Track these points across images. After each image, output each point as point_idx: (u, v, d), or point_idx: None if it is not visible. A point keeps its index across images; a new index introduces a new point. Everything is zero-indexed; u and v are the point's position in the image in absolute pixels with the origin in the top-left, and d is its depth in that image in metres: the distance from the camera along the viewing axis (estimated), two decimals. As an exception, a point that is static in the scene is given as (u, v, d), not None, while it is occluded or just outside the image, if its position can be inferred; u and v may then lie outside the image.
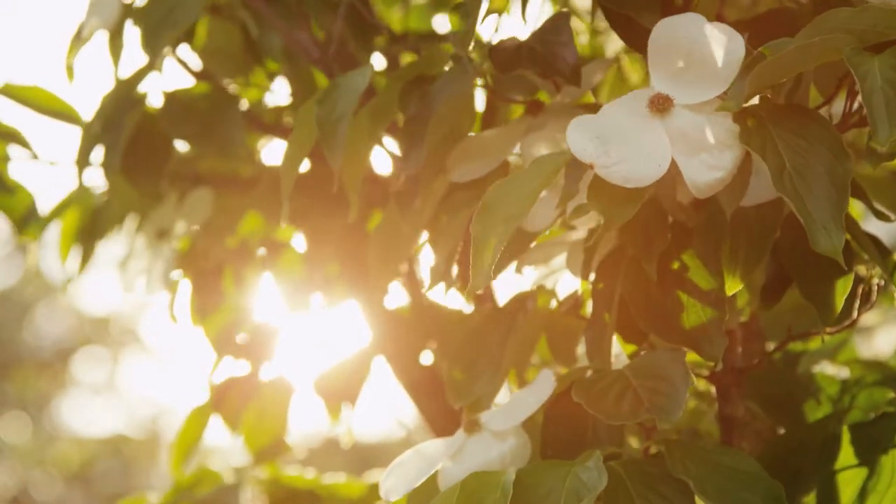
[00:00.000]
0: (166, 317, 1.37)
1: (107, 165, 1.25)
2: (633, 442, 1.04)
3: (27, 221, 1.38)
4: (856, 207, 1.15)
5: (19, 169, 1.39)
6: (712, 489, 0.82)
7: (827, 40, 0.79)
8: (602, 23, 1.26)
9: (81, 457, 6.23)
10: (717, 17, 0.98)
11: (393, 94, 0.99)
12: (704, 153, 0.80)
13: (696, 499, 0.83)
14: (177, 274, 1.37)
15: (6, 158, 1.37)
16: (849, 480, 0.91)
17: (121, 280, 1.37)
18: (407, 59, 1.26)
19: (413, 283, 1.27)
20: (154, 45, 1.18)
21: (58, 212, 1.38)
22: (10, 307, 6.41)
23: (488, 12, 0.97)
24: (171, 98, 1.27)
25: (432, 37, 1.32)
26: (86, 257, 1.38)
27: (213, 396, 1.35)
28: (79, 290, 6.51)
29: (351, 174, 1.01)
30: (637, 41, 0.90)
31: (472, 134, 1.02)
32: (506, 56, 0.95)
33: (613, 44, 1.30)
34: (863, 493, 0.90)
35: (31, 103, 1.34)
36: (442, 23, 1.42)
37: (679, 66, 0.83)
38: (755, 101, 0.83)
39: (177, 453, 1.38)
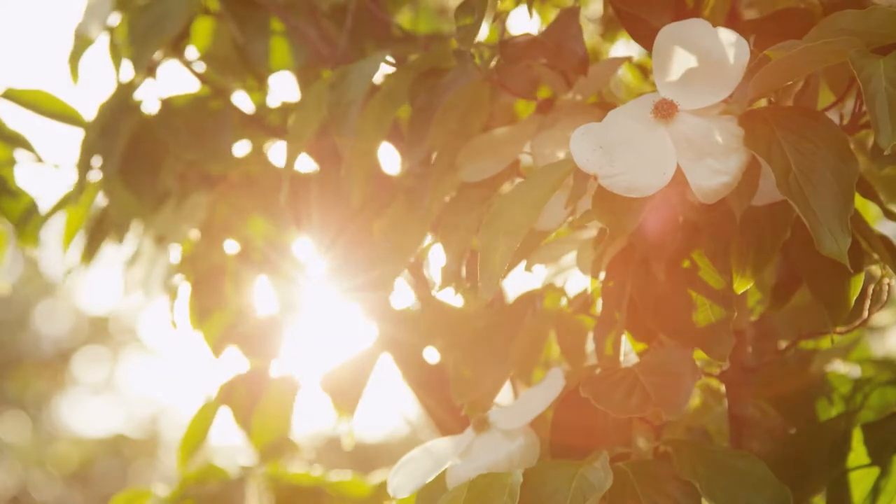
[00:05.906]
0: (166, 318, 1.36)
1: (104, 172, 1.25)
2: (642, 443, 1.04)
3: (25, 225, 1.37)
4: (870, 209, 1.14)
5: (23, 172, 1.39)
6: (720, 491, 0.82)
7: (832, 43, 0.79)
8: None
9: (81, 457, 6.23)
10: (731, 16, 0.98)
11: (403, 84, 0.99)
12: (710, 158, 0.80)
13: (703, 501, 0.83)
14: (177, 278, 1.36)
15: (12, 162, 1.36)
16: (860, 480, 0.91)
17: (122, 284, 1.37)
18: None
19: (420, 281, 1.27)
20: (139, 55, 1.18)
21: (54, 211, 1.37)
22: (10, 307, 6.40)
23: (498, 13, 0.97)
24: (166, 104, 1.27)
25: (442, 37, 1.31)
26: (89, 252, 1.38)
27: (222, 393, 1.35)
28: (79, 289, 6.52)
29: (358, 163, 1.01)
30: (650, 42, 0.89)
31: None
32: (515, 48, 0.95)
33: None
34: (874, 493, 0.90)
35: (34, 107, 1.34)
36: (451, 24, 1.41)
37: (684, 72, 0.83)
38: (762, 104, 0.82)
39: (184, 449, 1.38)
